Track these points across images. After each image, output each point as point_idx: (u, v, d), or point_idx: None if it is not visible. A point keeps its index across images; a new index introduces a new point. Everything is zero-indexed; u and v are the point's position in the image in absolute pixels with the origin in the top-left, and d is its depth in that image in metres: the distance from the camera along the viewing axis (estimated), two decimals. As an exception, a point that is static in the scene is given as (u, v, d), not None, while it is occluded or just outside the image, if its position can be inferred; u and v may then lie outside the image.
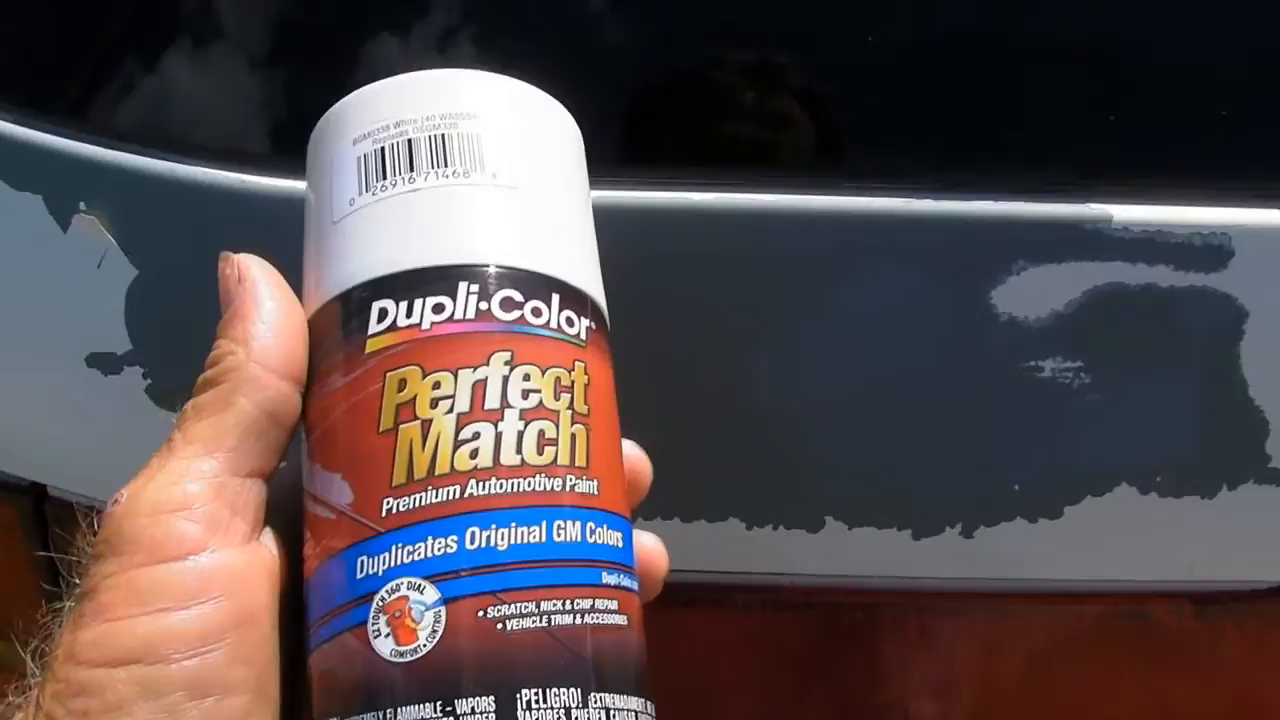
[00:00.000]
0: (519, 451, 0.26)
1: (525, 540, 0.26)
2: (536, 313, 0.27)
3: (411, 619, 0.25)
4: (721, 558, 0.40)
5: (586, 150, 0.32)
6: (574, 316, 0.28)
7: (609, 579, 0.27)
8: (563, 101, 0.32)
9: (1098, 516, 0.38)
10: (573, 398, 0.27)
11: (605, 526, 0.27)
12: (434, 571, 0.25)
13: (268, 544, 0.28)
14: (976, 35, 0.39)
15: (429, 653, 0.25)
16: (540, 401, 0.27)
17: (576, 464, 0.27)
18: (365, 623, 0.25)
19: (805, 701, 0.42)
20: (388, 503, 0.26)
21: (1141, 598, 0.39)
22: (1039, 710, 0.40)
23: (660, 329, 0.38)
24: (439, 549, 0.25)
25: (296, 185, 0.40)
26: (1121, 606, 0.40)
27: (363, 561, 0.26)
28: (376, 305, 0.28)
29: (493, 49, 0.41)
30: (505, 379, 0.27)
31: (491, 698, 0.24)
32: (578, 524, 0.27)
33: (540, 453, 0.26)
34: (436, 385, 0.27)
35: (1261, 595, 0.39)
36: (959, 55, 0.39)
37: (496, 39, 0.41)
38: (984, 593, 0.40)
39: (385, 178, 0.29)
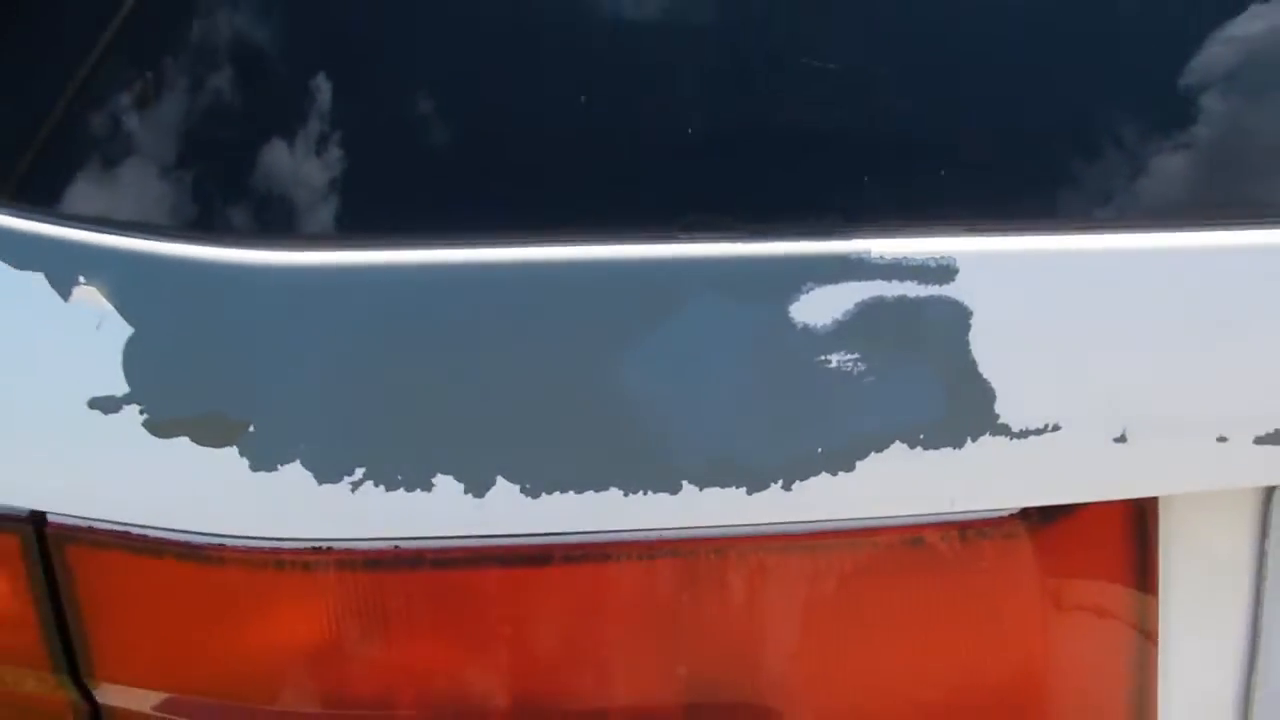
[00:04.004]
0: None
1: None
2: None
3: None
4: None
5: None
6: None
7: None
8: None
9: (881, 467, 0.52)
10: None
11: None
12: None
13: None
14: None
15: None
16: None
17: None
18: None
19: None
20: None
21: (918, 528, 0.53)
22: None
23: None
24: None
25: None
26: (905, 535, 0.53)
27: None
28: None
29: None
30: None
31: None
32: None
33: None
34: None
35: (1004, 519, 0.54)
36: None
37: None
38: (803, 534, 0.53)
39: None
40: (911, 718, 0.55)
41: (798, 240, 0.52)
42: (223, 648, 0.55)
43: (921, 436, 0.52)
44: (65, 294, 0.54)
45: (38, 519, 0.57)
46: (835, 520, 0.53)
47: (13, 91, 0.58)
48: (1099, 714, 0.58)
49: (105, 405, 0.54)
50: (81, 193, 0.56)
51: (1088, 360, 0.52)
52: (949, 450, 0.52)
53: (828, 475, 0.52)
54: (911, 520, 0.53)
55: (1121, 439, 0.53)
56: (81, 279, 0.54)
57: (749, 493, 0.52)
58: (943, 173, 0.53)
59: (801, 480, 0.52)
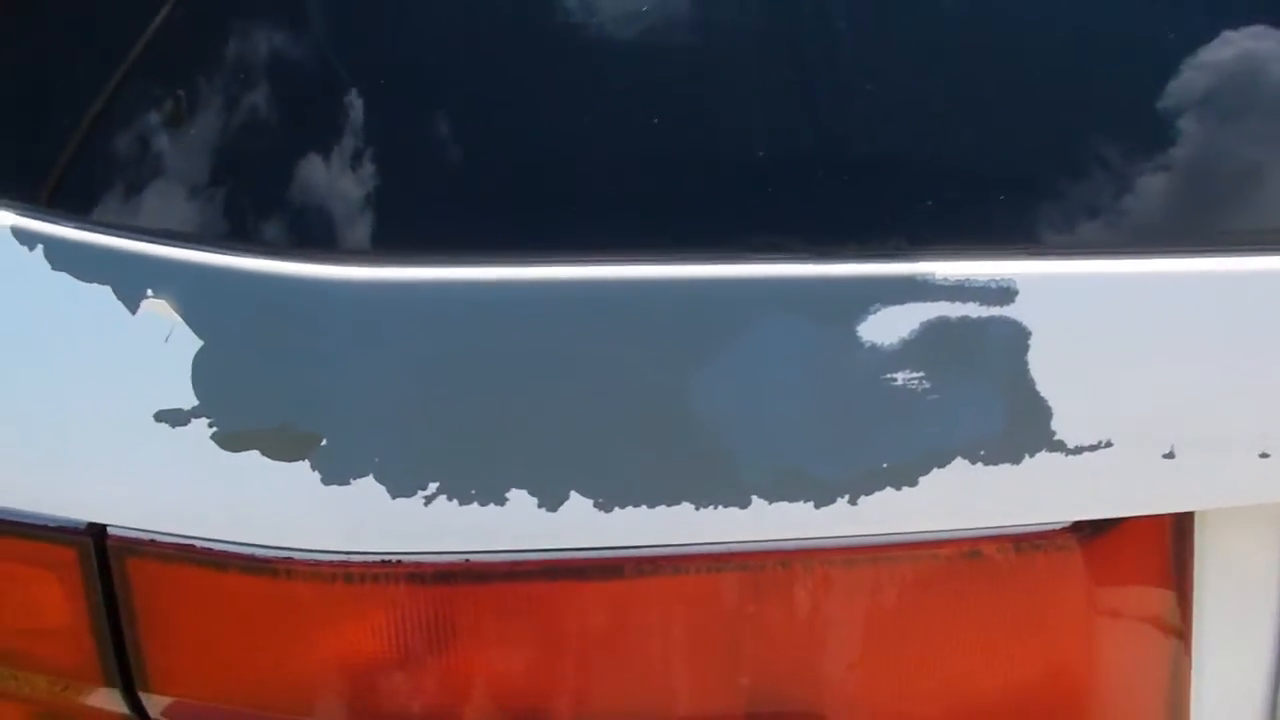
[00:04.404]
0: None
1: None
2: None
3: None
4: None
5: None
6: None
7: None
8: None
9: (942, 482, 0.54)
10: None
11: None
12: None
13: None
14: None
15: None
16: None
17: None
18: None
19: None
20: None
21: (977, 541, 0.55)
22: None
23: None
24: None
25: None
26: (964, 548, 0.55)
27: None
28: None
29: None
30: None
31: None
32: None
33: None
34: None
35: (1058, 532, 0.56)
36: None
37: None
38: (866, 547, 0.54)
39: None
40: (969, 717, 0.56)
41: (864, 262, 0.53)
42: (285, 662, 0.55)
43: (982, 452, 0.54)
44: (133, 306, 0.54)
45: (97, 531, 0.56)
46: (898, 534, 0.54)
47: (75, 101, 0.58)
48: (1137, 717, 0.60)
49: (173, 418, 0.54)
50: (150, 205, 0.56)
51: (1139, 378, 0.54)
52: (1007, 465, 0.54)
53: (892, 489, 0.54)
54: (970, 533, 0.55)
55: (1170, 455, 0.55)
56: (150, 291, 0.54)
57: (816, 506, 0.54)
58: (1002, 197, 0.54)
59: (867, 495, 0.54)
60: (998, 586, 0.56)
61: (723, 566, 0.54)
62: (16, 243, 0.56)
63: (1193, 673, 0.61)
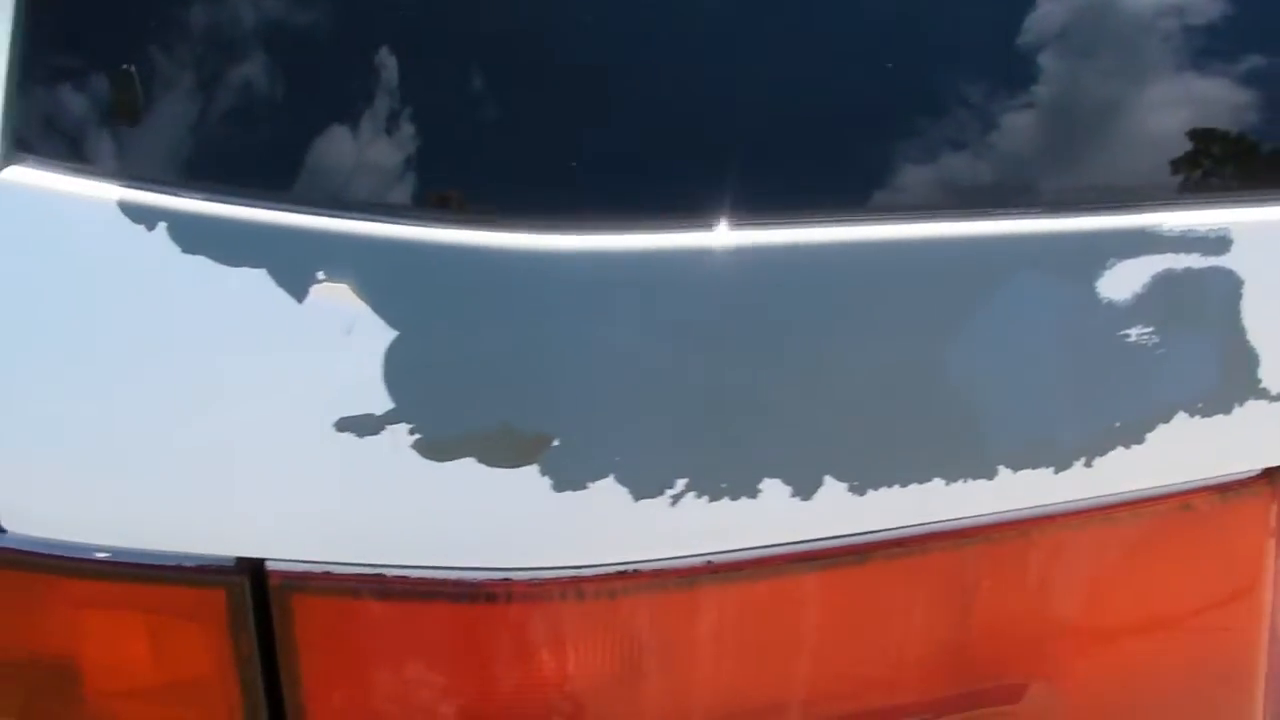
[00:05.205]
0: None
1: None
2: None
3: None
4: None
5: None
6: None
7: None
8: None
9: (1165, 437, 0.53)
10: None
11: None
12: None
13: None
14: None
15: None
16: None
17: None
18: None
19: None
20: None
21: (1189, 493, 0.55)
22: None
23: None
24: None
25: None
26: (1179, 501, 0.54)
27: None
28: None
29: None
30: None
31: None
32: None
33: None
34: None
35: (1253, 478, 0.56)
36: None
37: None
38: (1095, 509, 0.53)
39: None
40: (1176, 669, 0.56)
41: (1098, 214, 0.51)
42: (493, 699, 0.48)
43: (1200, 405, 0.53)
44: (299, 293, 0.44)
45: (250, 567, 0.47)
46: (1124, 492, 0.53)
47: (215, 59, 0.46)
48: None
49: (360, 426, 0.45)
50: (312, 169, 0.45)
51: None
52: (1219, 417, 0.54)
53: (1122, 449, 0.52)
54: (1185, 486, 0.55)
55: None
56: (320, 274, 0.44)
57: (1056, 472, 0.51)
58: (1217, 147, 0.54)
59: (1101, 456, 0.52)
60: (1203, 536, 0.56)
61: (966, 542, 0.51)
62: (130, 221, 0.44)
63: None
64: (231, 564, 0.47)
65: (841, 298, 0.48)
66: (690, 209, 0.46)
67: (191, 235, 0.44)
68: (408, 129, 0.45)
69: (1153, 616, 0.56)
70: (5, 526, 0.46)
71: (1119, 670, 0.56)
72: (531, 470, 0.45)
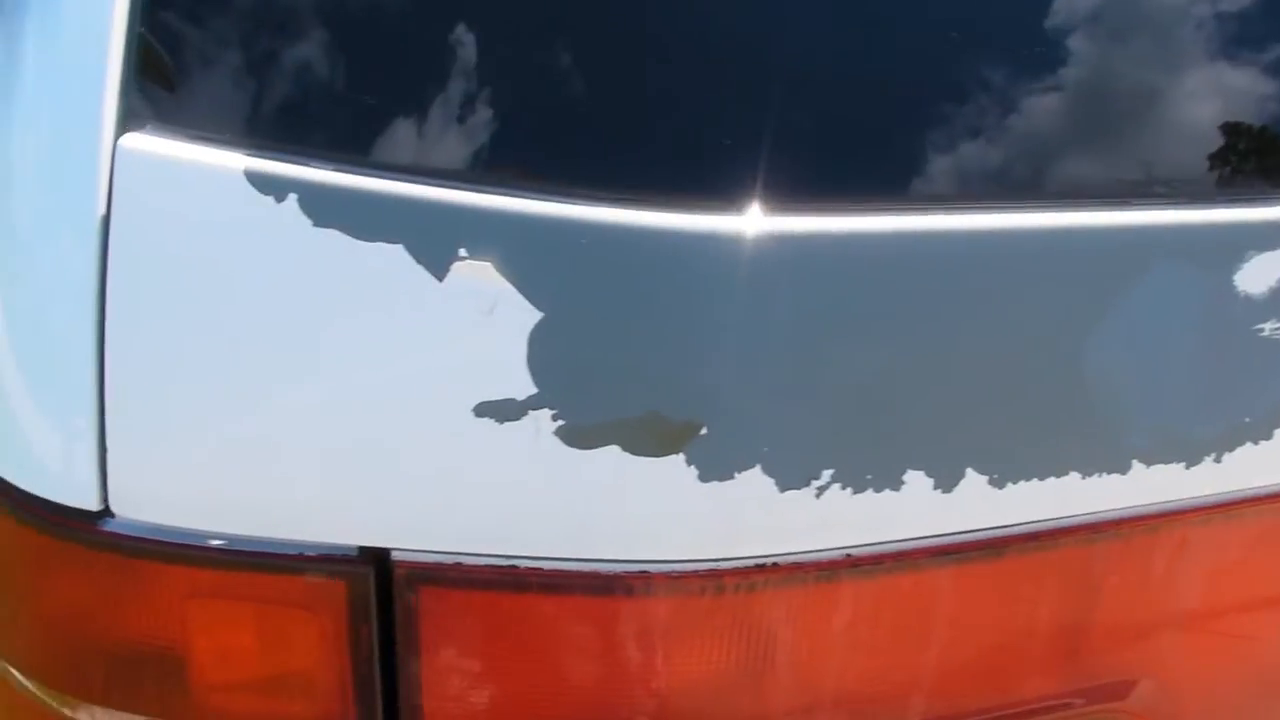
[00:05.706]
0: None
1: None
2: None
3: None
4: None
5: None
6: None
7: None
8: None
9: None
10: None
11: None
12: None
13: None
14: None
15: None
16: None
17: None
18: None
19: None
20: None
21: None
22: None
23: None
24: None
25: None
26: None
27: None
28: None
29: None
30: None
31: None
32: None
33: None
34: None
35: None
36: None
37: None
38: (1220, 505, 0.52)
39: None
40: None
41: (1237, 207, 0.50)
42: (625, 694, 0.46)
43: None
44: (439, 272, 0.42)
45: (374, 558, 0.44)
46: (1248, 489, 0.53)
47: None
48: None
49: (499, 411, 0.43)
50: (450, 141, 0.43)
51: None
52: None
53: (1250, 444, 0.52)
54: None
55: None
56: (462, 251, 0.42)
57: (1187, 467, 0.51)
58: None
59: (1229, 451, 0.51)
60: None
61: (1096, 537, 0.50)
62: (258, 192, 0.42)
63: None
64: (355, 553, 0.44)
65: (988, 287, 0.46)
66: (852, 196, 0.45)
67: (324, 208, 0.42)
68: (562, 105, 0.43)
69: (1269, 615, 0.56)
70: (115, 511, 0.44)
71: (1228, 668, 0.55)
72: (677, 459, 0.44)
